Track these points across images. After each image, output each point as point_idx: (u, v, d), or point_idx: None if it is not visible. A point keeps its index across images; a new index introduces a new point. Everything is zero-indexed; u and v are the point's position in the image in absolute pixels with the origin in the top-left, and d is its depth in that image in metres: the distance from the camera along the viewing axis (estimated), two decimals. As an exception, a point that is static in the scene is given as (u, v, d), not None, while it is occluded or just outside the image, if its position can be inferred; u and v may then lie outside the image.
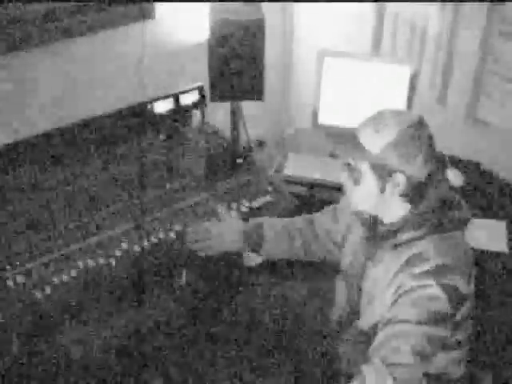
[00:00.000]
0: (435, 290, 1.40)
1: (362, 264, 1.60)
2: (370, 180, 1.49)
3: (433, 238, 1.46)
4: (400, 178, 1.45)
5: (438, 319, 1.39)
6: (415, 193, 1.48)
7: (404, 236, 1.49)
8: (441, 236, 1.47)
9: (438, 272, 1.41)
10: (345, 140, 1.58)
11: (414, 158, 1.44)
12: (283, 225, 1.87)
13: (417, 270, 1.43)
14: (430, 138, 1.48)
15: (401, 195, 1.48)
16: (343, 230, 1.76)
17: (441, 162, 1.51)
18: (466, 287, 1.44)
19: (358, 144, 1.48)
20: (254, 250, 1.86)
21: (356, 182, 1.51)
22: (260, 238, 1.84)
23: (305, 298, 1.94)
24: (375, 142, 1.46)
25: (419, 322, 1.38)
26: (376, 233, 1.57)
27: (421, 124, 1.47)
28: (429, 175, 1.47)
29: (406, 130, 1.44)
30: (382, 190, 1.49)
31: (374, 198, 1.51)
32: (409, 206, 1.50)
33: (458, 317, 1.45)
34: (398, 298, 1.44)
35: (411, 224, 1.48)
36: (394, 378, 1.35)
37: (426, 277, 1.41)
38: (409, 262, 1.45)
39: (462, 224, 1.53)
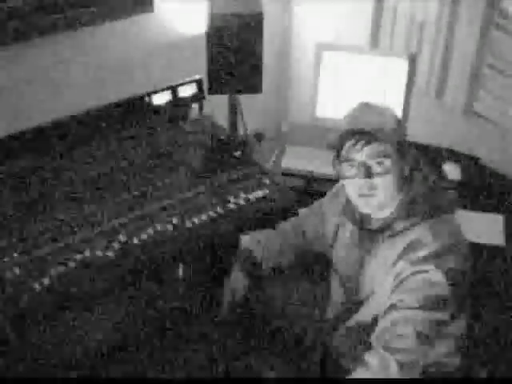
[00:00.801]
0: (435, 274, 1.40)
1: (357, 259, 1.60)
2: (394, 164, 1.47)
3: (428, 223, 1.47)
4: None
5: (439, 303, 1.40)
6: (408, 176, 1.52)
7: (399, 225, 1.49)
8: (435, 220, 1.48)
9: (436, 256, 1.42)
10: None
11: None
12: (279, 243, 1.81)
13: (416, 256, 1.43)
14: None
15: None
16: (331, 231, 1.74)
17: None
18: (463, 266, 1.45)
19: (368, 133, 1.43)
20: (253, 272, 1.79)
21: (384, 171, 1.46)
22: (254, 262, 1.77)
23: (301, 292, 1.94)
24: (389, 122, 1.48)
25: (421, 307, 1.39)
26: (369, 228, 1.57)
27: None
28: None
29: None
30: (404, 171, 1.49)
31: (397, 186, 1.49)
32: (401, 194, 1.51)
33: (458, 299, 1.46)
34: (398, 284, 1.45)
35: (405, 213, 1.49)
36: (398, 362, 1.36)
37: (426, 261, 1.42)
38: (407, 249, 1.46)
39: (453, 206, 1.55)
